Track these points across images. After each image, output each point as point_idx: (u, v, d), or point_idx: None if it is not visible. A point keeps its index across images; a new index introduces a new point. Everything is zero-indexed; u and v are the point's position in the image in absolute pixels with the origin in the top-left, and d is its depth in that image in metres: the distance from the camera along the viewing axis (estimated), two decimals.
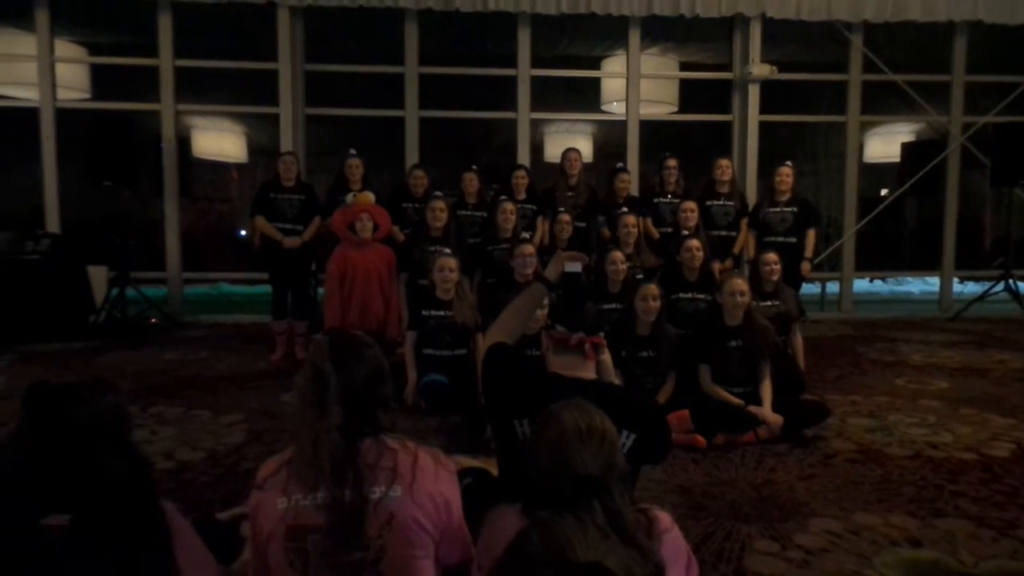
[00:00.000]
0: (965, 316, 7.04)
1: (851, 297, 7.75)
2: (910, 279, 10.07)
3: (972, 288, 8.03)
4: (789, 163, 5.54)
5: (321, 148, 7.58)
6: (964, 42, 7.48)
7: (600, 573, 1.21)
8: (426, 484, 1.44)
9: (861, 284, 8.74)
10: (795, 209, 5.41)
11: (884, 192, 9.07)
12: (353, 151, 5.41)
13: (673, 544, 1.42)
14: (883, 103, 8.09)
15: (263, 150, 9.21)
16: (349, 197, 5.04)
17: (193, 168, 9.03)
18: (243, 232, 9.87)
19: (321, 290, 5.54)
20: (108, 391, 1.48)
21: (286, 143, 6.82)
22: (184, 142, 7.98)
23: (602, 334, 2.17)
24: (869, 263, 8.18)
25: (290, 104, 6.91)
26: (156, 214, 7.15)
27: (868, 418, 3.80)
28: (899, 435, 3.51)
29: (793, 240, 5.34)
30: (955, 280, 7.94)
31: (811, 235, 5.43)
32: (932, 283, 8.54)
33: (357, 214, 4.87)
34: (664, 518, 1.45)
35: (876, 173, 10.02)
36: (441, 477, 1.49)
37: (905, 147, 8.11)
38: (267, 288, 5.51)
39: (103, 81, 7.67)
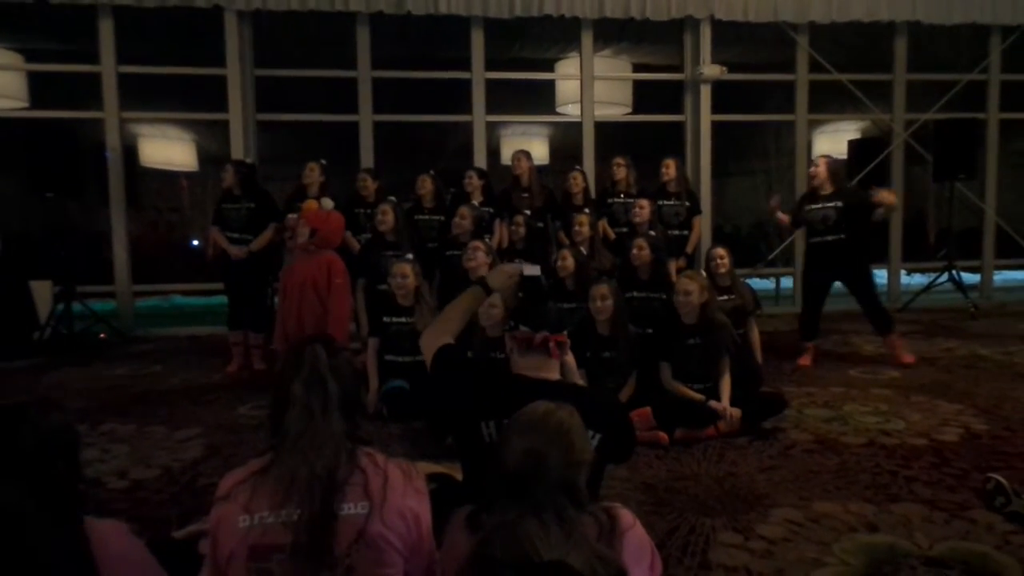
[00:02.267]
0: (913, 307, 7.27)
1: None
2: None
3: (919, 279, 8.31)
4: (826, 156, 5.21)
5: (275, 154, 7.44)
6: (904, 42, 7.74)
7: (563, 571, 1.21)
8: (396, 501, 1.42)
9: None
10: (839, 203, 4.86)
11: None
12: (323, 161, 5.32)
13: (636, 541, 1.43)
14: (830, 102, 8.32)
15: (214, 158, 9.01)
16: (305, 203, 4.92)
17: (141, 177, 8.77)
18: (195, 242, 9.63)
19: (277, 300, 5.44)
20: (54, 410, 1.42)
21: (237, 150, 6.68)
22: (130, 151, 7.75)
23: (565, 333, 2.17)
24: None
25: (240, 110, 6.77)
26: (103, 225, 6.93)
27: (824, 408, 3.90)
28: (854, 424, 3.61)
29: (841, 236, 4.84)
30: (902, 272, 8.20)
31: (885, 198, 4.78)
32: (880, 275, 8.78)
33: (301, 221, 4.73)
34: (626, 515, 1.46)
35: None
36: (410, 492, 1.46)
37: (851, 144, 8.34)
38: (222, 299, 5.38)
39: (42, 89, 7.40)
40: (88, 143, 6.56)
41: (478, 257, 4.23)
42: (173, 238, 10.02)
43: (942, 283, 7.17)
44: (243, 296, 5.18)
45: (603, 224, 5.43)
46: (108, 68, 6.65)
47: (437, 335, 2.13)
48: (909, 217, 8.36)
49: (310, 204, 4.95)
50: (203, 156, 9.81)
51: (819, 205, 4.94)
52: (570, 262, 4.31)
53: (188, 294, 8.44)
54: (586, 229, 4.86)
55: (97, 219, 7.24)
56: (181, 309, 8.42)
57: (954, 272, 7.14)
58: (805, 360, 5.05)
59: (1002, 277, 8.44)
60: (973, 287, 7.71)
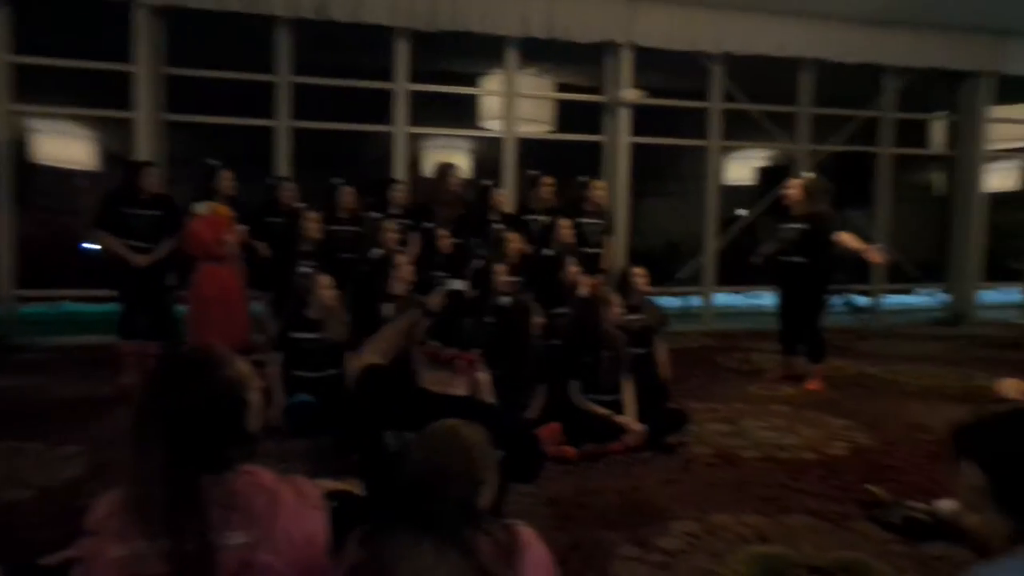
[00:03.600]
0: None
1: (712, 310, 8.25)
2: (764, 293, 10.84)
3: None
4: (805, 177, 5.32)
5: (182, 157, 7.12)
6: (809, 77, 8.21)
7: None
8: (286, 524, 1.35)
9: (721, 298, 9.30)
10: (803, 226, 4.87)
11: (741, 212, 9.73)
12: (217, 162, 5.12)
13: (536, 559, 1.44)
14: (741, 130, 8.71)
15: (116, 157, 8.54)
16: (203, 207, 4.73)
17: (33, 175, 8.23)
18: (90, 245, 9.09)
19: (181, 308, 5.20)
20: None
21: (143, 150, 6.37)
22: (21, 146, 7.27)
23: (478, 352, 2.19)
24: (728, 278, 8.73)
25: (147, 109, 6.46)
26: None
27: (725, 423, 4.04)
28: (751, 439, 3.76)
29: (802, 260, 4.87)
30: None
31: (844, 238, 4.82)
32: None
33: (225, 227, 4.66)
34: (526, 533, 1.46)
35: (734, 195, 10.74)
36: (304, 513, 1.40)
37: (759, 171, 8.76)
38: (116, 307, 5.08)
39: None
40: None
41: (406, 273, 4.24)
42: (67, 240, 9.40)
43: (837, 305, 7.60)
44: (142, 304, 4.92)
45: (520, 240, 5.47)
46: (1, 58, 6.22)
47: (368, 355, 2.17)
48: None
49: (225, 210, 4.81)
50: (105, 155, 9.28)
51: (788, 225, 5.01)
52: (507, 280, 4.39)
53: (80, 300, 7.93)
54: (516, 247, 4.92)
55: None
56: (72, 316, 7.89)
57: (849, 296, 7.59)
58: (777, 375, 5.21)
59: (890, 301, 9.03)
60: (865, 310, 8.22)
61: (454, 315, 2.23)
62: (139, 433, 1.32)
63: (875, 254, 4.89)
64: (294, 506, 1.39)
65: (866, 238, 5.31)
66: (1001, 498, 1.26)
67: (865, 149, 8.31)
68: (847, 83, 8.49)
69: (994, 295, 9.90)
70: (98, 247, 5.12)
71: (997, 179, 9.90)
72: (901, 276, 8.77)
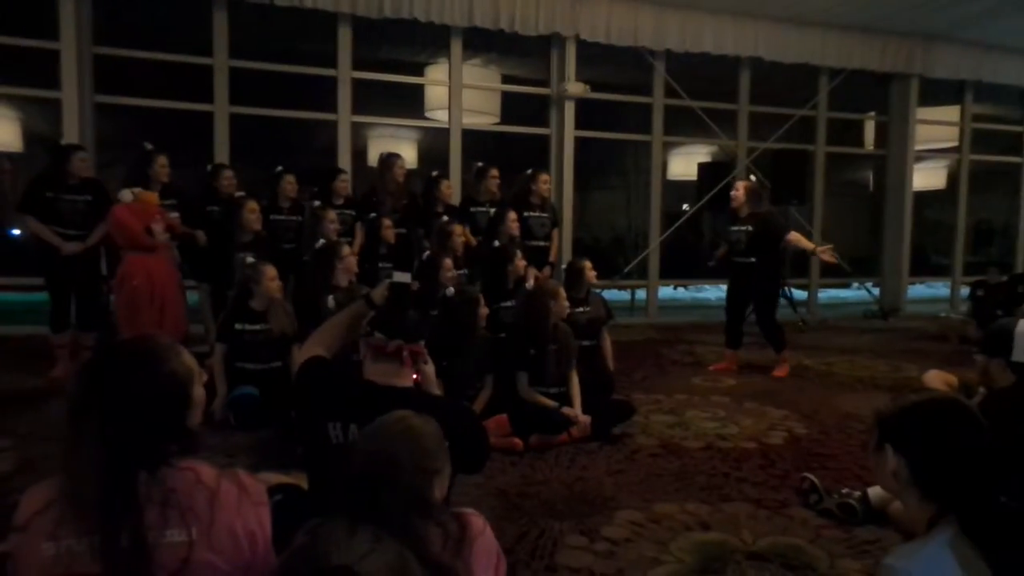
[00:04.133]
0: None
1: (656, 303, 8.40)
2: (707, 287, 11.11)
3: None
4: (751, 179, 5.56)
5: (115, 141, 6.82)
6: (748, 76, 8.42)
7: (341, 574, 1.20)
8: (227, 521, 1.30)
9: (666, 291, 9.49)
10: (750, 228, 5.13)
11: (685, 207, 9.93)
12: (151, 145, 4.92)
13: (485, 548, 1.45)
14: (683, 125, 8.87)
15: (44, 139, 8.11)
16: (127, 194, 4.54)
17: None
18: (16, 231, 8.63)
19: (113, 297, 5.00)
20: None
21: (71, 133, 6.06)
22: None
23: (423, 343, 2.17)
24: (673, 272, 8.90)
25: (75, 89, 6.15)
26: None
27: (669, 415, 4.12)
28: (694, 429, 3.85)
29: (752, 260, 5.13)
30: None
31: (793, 238, 5.11)
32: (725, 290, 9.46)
33: (153, 216, 4.47)
34: (476, 522, 1.47)
35: (678, 189, 10.95)
36: (245, 509, 1.35)
37: (701, 167, 8.95)
38: (44, 296, 4.85)
39: None
40: None
41: (350, 264, 4.17)
42: None
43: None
44: (74, 294, 4.71)
45: (466, 232, 5.45)
46: None
47: (311, 346, 2.14)
48: None
49: (153, 197, 4.64)
50: (30, 136, 8.81)
51: (736, 227, 5.24)
52: (453, 275, 4.38)
53: (7, 289, 7.52)
54: (461, 240, 4.89)
55: None
56: None
57: (786, 289, 7.84)
58: (719, 366, 5.37)
59: (825, 295, 9.37)
60: (802, 303, 8.50)
61: (399, 307, 2.20)
62: (74, 427, 1.27)
63: (827, 255, 5.12)
64: (236, 502, 1.35)
65: (805, 234, 5.55)
66: (922, 483, 1.31)
67: (802, 147, 8.58)
68: (787, 82, 8.75)
69: (922, 289, 10.41)
70: (24, 232, 4.86)
71: (924, 178, 10.40)
72: (836, 270, 9.09)
